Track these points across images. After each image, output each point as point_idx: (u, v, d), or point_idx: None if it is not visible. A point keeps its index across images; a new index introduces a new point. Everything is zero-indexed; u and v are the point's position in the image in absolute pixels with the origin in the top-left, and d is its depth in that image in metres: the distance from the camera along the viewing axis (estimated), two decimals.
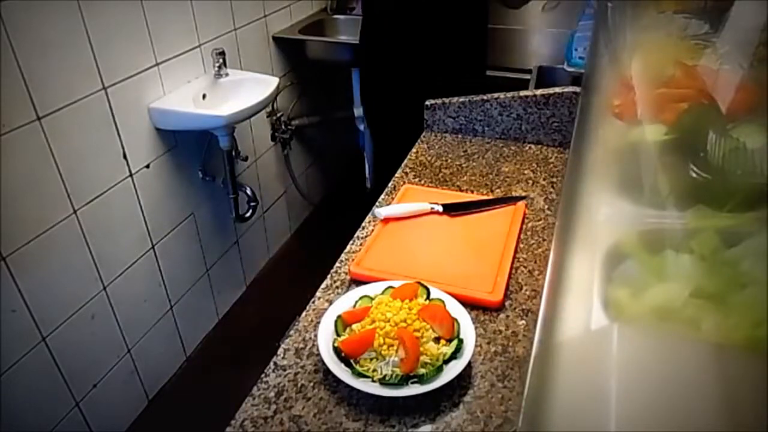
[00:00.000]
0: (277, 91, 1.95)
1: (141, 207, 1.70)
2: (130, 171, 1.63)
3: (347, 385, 0.75)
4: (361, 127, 2.59)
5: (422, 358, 0.77)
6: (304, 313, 0.91)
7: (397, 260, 0.99)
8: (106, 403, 1.69)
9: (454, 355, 0.78)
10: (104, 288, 1.61)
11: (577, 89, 1.33)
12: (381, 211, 1.10)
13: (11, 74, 1.25)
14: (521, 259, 1.01)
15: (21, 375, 1.39)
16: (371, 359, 0.78)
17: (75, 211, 1.48)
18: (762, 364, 0.33)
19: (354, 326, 0.82)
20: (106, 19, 1.46)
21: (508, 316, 0.89)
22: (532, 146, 1.41)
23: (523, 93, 1.39)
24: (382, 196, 1.22)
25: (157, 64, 1.67)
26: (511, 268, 0.98)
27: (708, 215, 0.49)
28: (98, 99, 1.48)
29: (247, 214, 2.12)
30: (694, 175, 0.54)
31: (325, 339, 0.80)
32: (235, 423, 0.74)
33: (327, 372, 0.78)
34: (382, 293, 0.87)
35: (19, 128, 1.29)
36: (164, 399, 1.91)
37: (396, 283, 0.88)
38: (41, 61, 1.31)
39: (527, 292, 0.94)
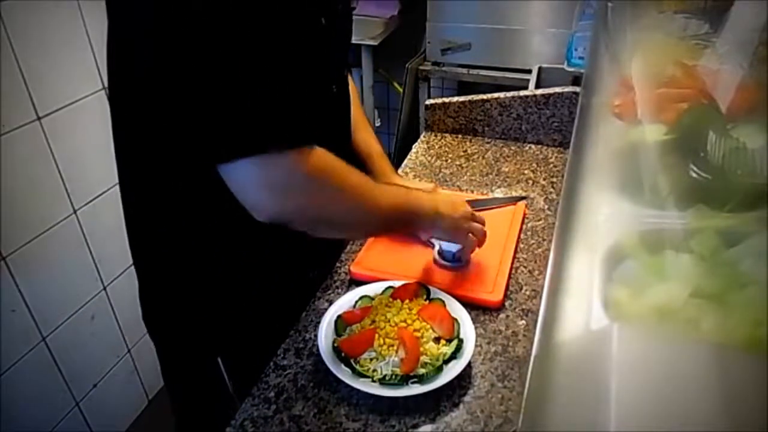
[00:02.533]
0: None
1: None
2: None
3: (347, 385, 0.75)
4: None
5: (422, 358, 0.77)
6: (304, 313, 0.91)
7: (398, 260, 0.99)
8: (106, 403, 1.69)
9: (454, 355, 0.78)
10: (104, 288, 1.61)
11: (577, 89, 1.33)
12: None
13: (11, 74, 1.25)
14: (521, 259, 1.01)
15: (21, 375, 1.39)
16: (371, 359, 0.77)
17: (75, 211, 1.47)
18: (762, 364, 0.33)
19: (354, 326, 0.82)
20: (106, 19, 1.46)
21: (508, 316, 0.89)
22: (532, 146, 1.41)
23: (523, 93, 1.39)
24: None
25: None
26: (511, 268, 0.98)
27: (708, 215, 0.49)
28: (98, 99, 1.48)
29: None
30: (694, 175, 0.54)
31: (325, 339, 0.80)
32: (235, 423, 0.74)
33: (327, 372, 0.78)
34: (382, 293, 0.87)
35: (19, 128, 1.29)
36: (164, 399, 1.90)
37: (396, 283, 0.88)
38: (41, 61, 1.31)
39: (527, 292, 0.94)
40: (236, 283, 0.86)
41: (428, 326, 0.80)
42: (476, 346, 0.82)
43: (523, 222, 1.10)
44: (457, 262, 0.96)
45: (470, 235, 0.90)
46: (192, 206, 0.79)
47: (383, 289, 0.88)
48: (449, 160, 1.35)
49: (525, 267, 1.00)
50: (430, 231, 0.92)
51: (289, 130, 0.66)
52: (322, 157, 0.70)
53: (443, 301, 0.86)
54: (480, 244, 0.93)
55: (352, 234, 0.94)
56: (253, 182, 0.66)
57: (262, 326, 0.88)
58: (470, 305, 0.88)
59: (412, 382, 0.75)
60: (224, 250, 0.83)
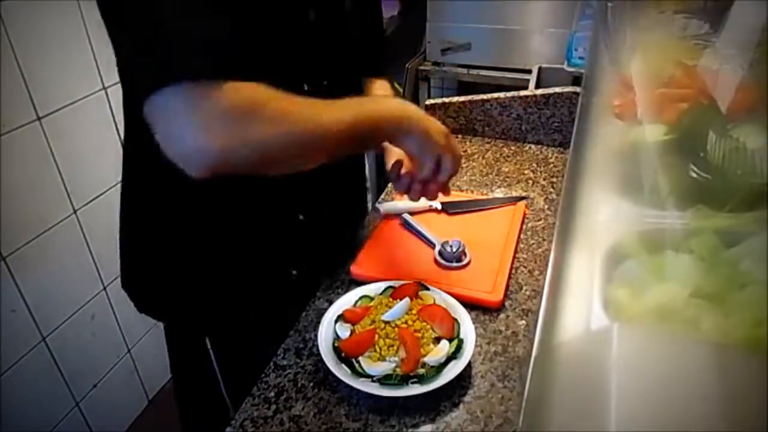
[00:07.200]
0: None
1: None
2: None
3: (347, 385, 0.75)
4: None
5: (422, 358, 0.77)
6: (304, 313, 0.91)
7: (398, 260, 0.99)
8: (106, 403, 1.69)
9: (454, 355, 0.78)
10: (104, 288, 1.61)
11: (577, 89, 1.33)
12: (381, 206, 1.11)
13: (11, 74, 1.25)
14: (521, 259, 1.01)
15: (21, 375, 1.39)
16: (371, 359, 0.77)
17: (75, 211, 1.47)
18: (762, 364, 0.33)
19: (354, 326, 0.82)
20: None
21: (508, 316, 0.89)
22: (532, 146, 1.41)
23: (523, 93, 1.39)
24: (382, 196, 1.22)
25: None
26: (511, 268, 0.98)
27: (708, 215, 0.49)
28: (98, 99, 1.48)
29: None
30: (694, 175, 0.54)
31: (325, 339, 0.80)
32: (235, 423, 0.74)
33: (327, 372, 0.78)
34: (382, 293, 0.87)
35: (19, 128, 1.29)
36: (164, 399, 1.91)
37: (396, 283, 0.88)
38: (41, 61, 1.31)
39: (527, 292, 0.94)
40: (221, 266, 0.88)
41: (428, 326, 0.80)
42: (476, 346, 0.82)
43: (523, 222, 1.10)
44: (458, 262, 0.96)
45: (446, 156, 0.79)
46: (183, 187, 0.73)
47: (383, 289, 0.88)
48: None
49: (525, 267, 1.00)
50: (398, 139, 0.78)
51: (212, 61, 0.63)
52: (249, 88, 0.65)
53: (443, 301, 0.86)
54: (453, 173, 0.82)
55: (302, 162, 0.75)
56: (172, 115, 0.63)
57: (248, 316, 0.89)
58: (470, 305, 0.88)
59: (412, 382, 0.75)
60: (211, 232, 0.86)
